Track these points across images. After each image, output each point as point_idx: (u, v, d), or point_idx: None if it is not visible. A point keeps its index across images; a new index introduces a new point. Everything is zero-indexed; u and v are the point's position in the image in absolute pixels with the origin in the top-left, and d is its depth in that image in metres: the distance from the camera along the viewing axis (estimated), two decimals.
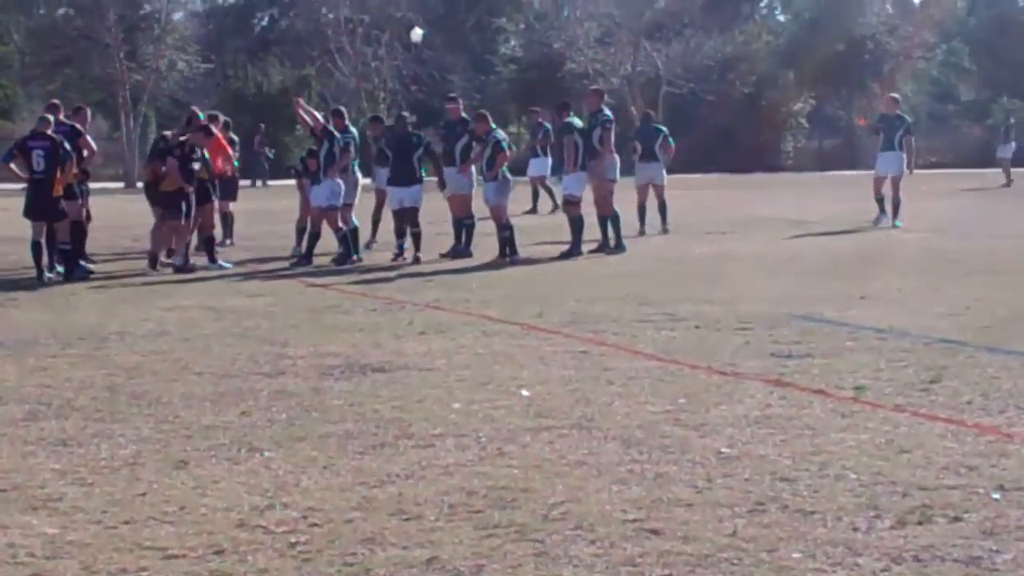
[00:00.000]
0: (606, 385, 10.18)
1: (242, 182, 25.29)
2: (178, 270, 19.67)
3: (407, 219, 21.20)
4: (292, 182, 24.39)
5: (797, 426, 8.66)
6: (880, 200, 26.59)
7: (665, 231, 25.86)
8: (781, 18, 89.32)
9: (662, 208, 26.22)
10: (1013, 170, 45.49)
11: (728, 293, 15.91)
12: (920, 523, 6.57)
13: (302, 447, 8.28)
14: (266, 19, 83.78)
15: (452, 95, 24.42)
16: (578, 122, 22.65)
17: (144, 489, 7.38)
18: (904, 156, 26.59)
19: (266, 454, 8.12)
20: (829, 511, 6.77)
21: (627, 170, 24.41)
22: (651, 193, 26.33)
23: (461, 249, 21.42)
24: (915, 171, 27.69)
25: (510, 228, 21.09)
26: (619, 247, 21.74)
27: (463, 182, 21.62)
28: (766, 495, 7.08)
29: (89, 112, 20.98)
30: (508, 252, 20.82)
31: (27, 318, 14.77)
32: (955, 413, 9.02)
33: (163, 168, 20.18)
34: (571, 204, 21.68)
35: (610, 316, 14.05)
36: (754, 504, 6.92)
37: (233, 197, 23.60)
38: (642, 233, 25.42)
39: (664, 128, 28.09)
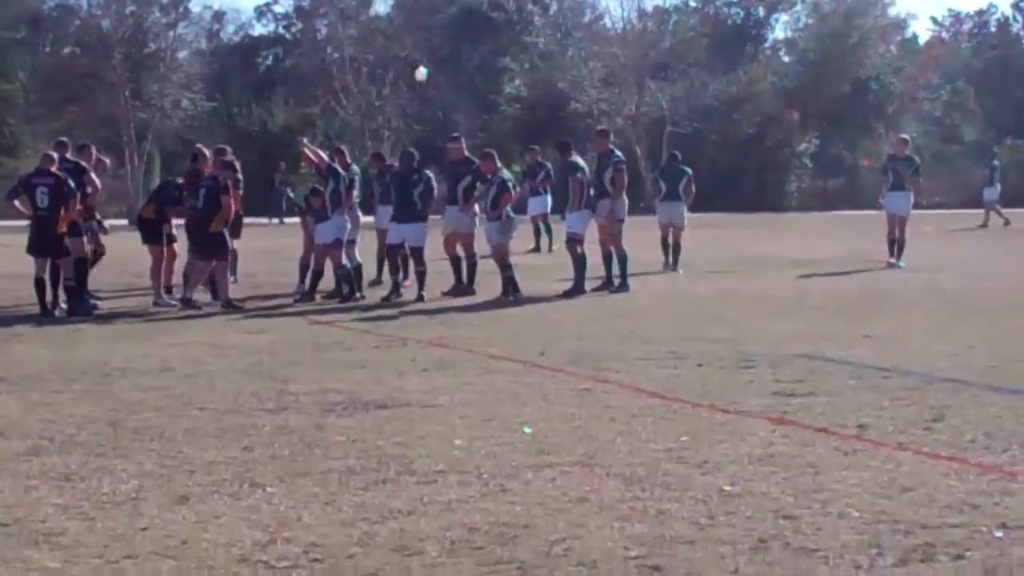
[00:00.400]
0: (608, 423, 10.17)
1: (259, 219, 25.23)
2: (186, 305, 19.63)
3: (409, 255, 21.18)
4: (294, 220, 24.41)
5: (800, 464, 8.65)
6: (892, 241, 26.76)
7: (675, 270, 26.28)
8: (786, 59, 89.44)
9: (676, 249, 26.72)
10: (1005, 211, 45.44)
11: (731, 332, 15.91)
12: (923, 561, 6.56)
13: (304, 483, 8.27)
14: (271, 58, 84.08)
15: (455, 135, 24.45)
16: (582, 161, 22.71)
17: (146, 524, 7.37)
18: (911, 197, 26.84)
19: (268, 490, 8.11)
20: (832, 549, 6.76)
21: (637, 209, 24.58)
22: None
23: (464, 287, 21.42)
24: (920, 211, 27.79)
25: (511, 267, 21.06)
26: (623, 286, 21.70)
27: (465, 221, 21.63)
28: (768, 533, 7.06)
29: (95, 151, 20.94)
30: (511, 291, 20.78)
31: (30, 354, 14.77)
32: (958, 452, 9.01)
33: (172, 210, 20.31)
34: (574, 242, 21.68)
35: (613, 354, 14.05)
36: (756, 542, 6.90)
37: (237, 234, 23.57)
38: (666, 266, 26.51)
39: (689, 170, 28.48)
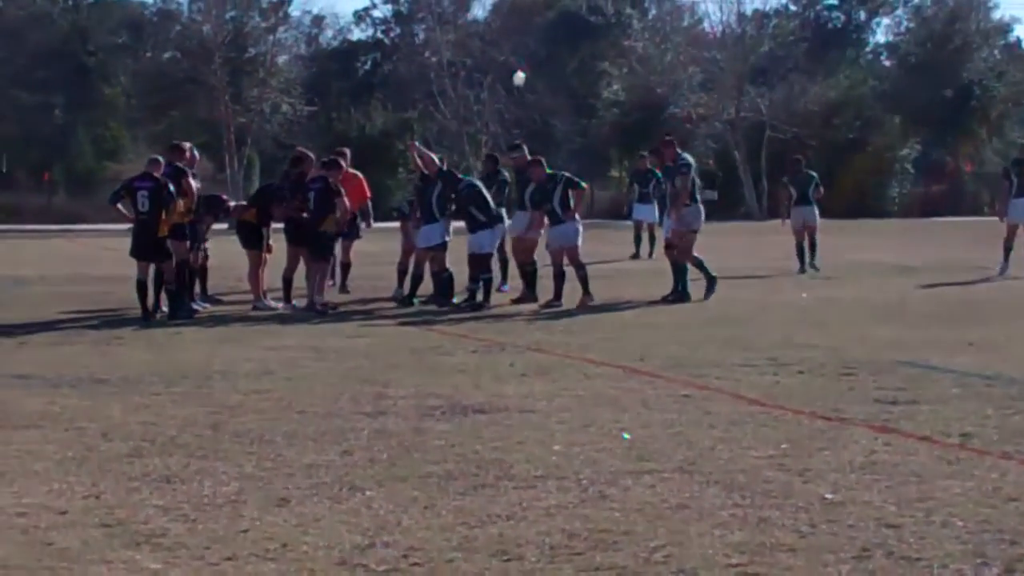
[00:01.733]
0: (708, 429, 10.10)
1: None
2: (319, 311, 19.71)
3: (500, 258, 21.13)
4: (393, 224, 24.43)
5: (903, 472, 8.55)
6: (1008, 250, 25.55)
7: (815, 268, 27.50)
8: (887, 63, 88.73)
9: (813, 247, 27.91)
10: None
11: (833, 338, 15.78)
12: None
13: (403, 487, 8.28)
14: (369, 63, 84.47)
15: (516, 142, 24.28)
16: (691, 158, 22.49)
17: (246, 526, 7.41)
18: None
19: (367, 493, 8.13)
20: (935, 558, 6.67)
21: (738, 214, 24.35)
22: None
23: (527, 294, 21.23)
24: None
25: (584, 267, 20.71)
26: (683, 295, 21.18)
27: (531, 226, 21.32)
28: (871, 541, 6.98)
29: (190, 148, 20.94)
30: (586, 290, 20.45)
31: (132, 356, 14.92)
32: None
33: (281, 209, 20.42)
34: (668, 247, 21.52)
35: (713, 360, 13.96)
36: (859, 550, 6.83)
37: (357, 235, 23.65)
38: (802, 271, 27.29)
39: (815, 174, 29.52)
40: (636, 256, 32.33)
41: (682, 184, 21.29)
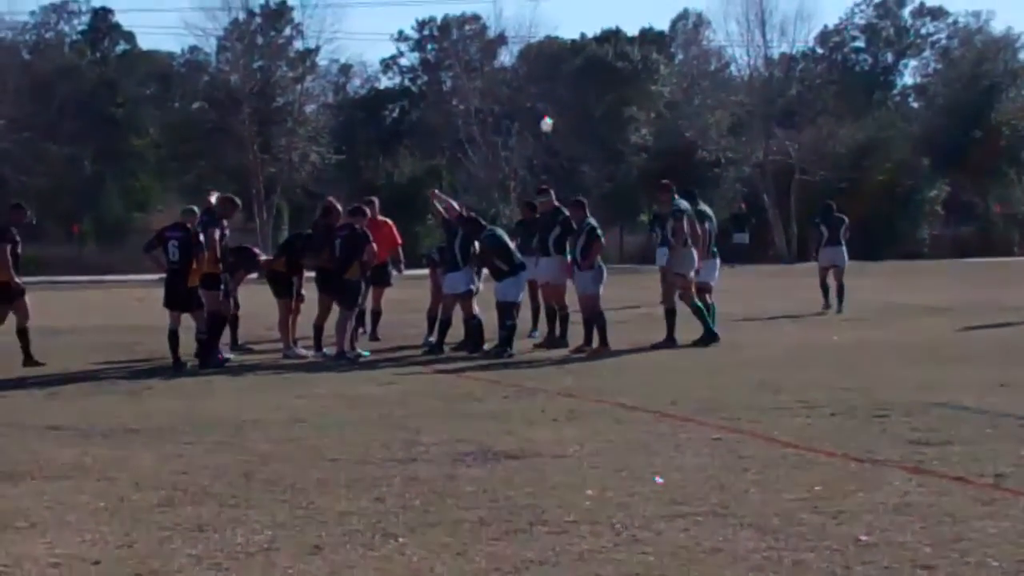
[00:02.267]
0: (741, 472, 10.07)
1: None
2: (350, 359, 19.72)
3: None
4: (420, 271, 24.50)
5: (937, 513, 8.51)
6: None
7: (840, 311, 27.83)
8: (915, 105, 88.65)
9: (840, 290, 28.55)
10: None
11: (864, 380, 15.73)
12: None
13: (436, 533, 8.27)
14: (397, 111, 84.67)
15: (543, 187, 24.32)
16: (709, 210, 22.61)
17: (280, 575, 7.39)
18: None
19: (400, 540, 8.11)
20: None
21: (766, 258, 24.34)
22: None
23: (556, 340, 21.25)
24: None
25: (603, 317, 20.70)
26: (710, 338, 21.14)
27: (557, 272, 21.40)
28: None
29: (220, 197, 21.09)
30: (603, 342, 20.41)
31: (163, 406, 14.95)
32: None
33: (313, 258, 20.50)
34: (702, 291, 21.51)
35: (744, 403, 13.93)
36: None
37: (388, 282, 23.61)
38: (827, 307, 28.24)
39: (846, 217, 30.60)
40: None
41: (673, 228, 21.36)
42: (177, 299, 19.35)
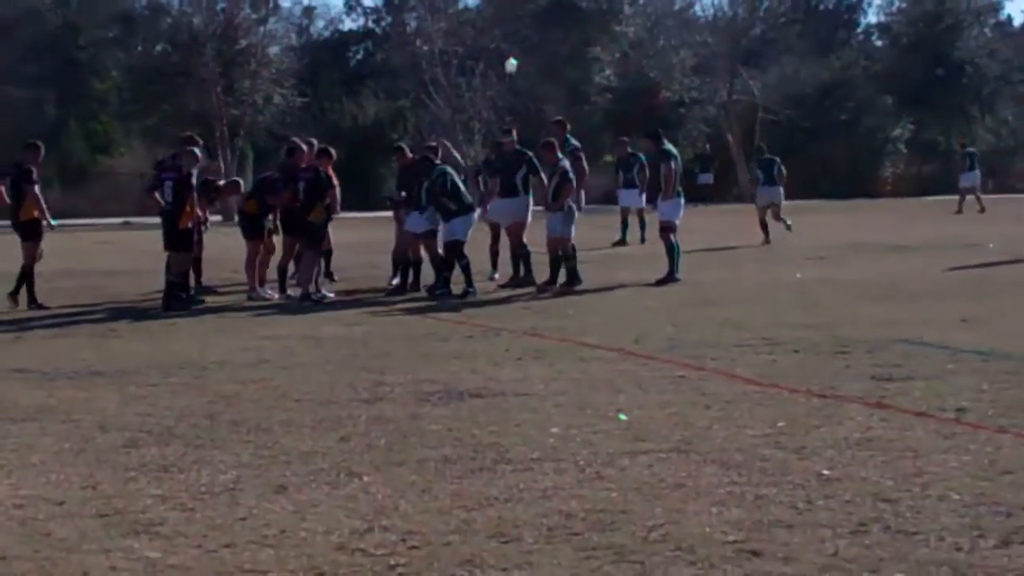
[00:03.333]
0: (704, 409, 10.13)
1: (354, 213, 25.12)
2: (314, 300, 19.69)
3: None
4: (384, 213, 24.48)
5: (899, 448, 8.57)
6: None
7: (788, 228, 31.40)
8: (879, 43, 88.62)
9: (778, 219, 31.49)
10: (983, 196, 45.04)
11: (827, 318, 15.81)
12: None
13: (401, 472, 8.30)
14: (361, 52, 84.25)
15: (507, 128, 24.24)
16: (674, 149, 22.63)
17: (244, 514, 7.42)
18: None
19: (365, 479, 8.14)
20: (932, 532, 6.69)
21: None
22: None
23: (523, 279, 21.28)
24: (1014, 195, 26.69)
25: (575, 258, 20.71)
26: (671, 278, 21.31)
27: (523, 210, 21.42)
28: (868, 516, 7.00)
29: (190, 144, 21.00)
30: (575, 281, 20.51)
31: (128, 348, 14.92)
32: None
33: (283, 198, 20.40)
34: (668, 230, 21.56)
35: (708, 341, 13.99)
36: (856, 525, 6.85)
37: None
38: (767, 243, 30.31)
39: (777, 158, 33.05)
40: (622, 242, 31.83)
41: (664, 174, 21.77)
42: (168, 239, 19.36)
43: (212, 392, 11.52)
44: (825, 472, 7.99)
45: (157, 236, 20.28)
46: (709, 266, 24.28)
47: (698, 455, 8.54)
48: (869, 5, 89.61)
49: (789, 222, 31.75)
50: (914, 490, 7.52)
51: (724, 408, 10.12)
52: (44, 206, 19.95)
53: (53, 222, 20.10)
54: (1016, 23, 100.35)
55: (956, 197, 45.36)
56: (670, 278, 21.11)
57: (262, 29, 72.59)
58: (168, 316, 18.39)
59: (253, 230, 20.93)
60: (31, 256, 19.84)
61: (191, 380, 12.27)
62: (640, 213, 32.19)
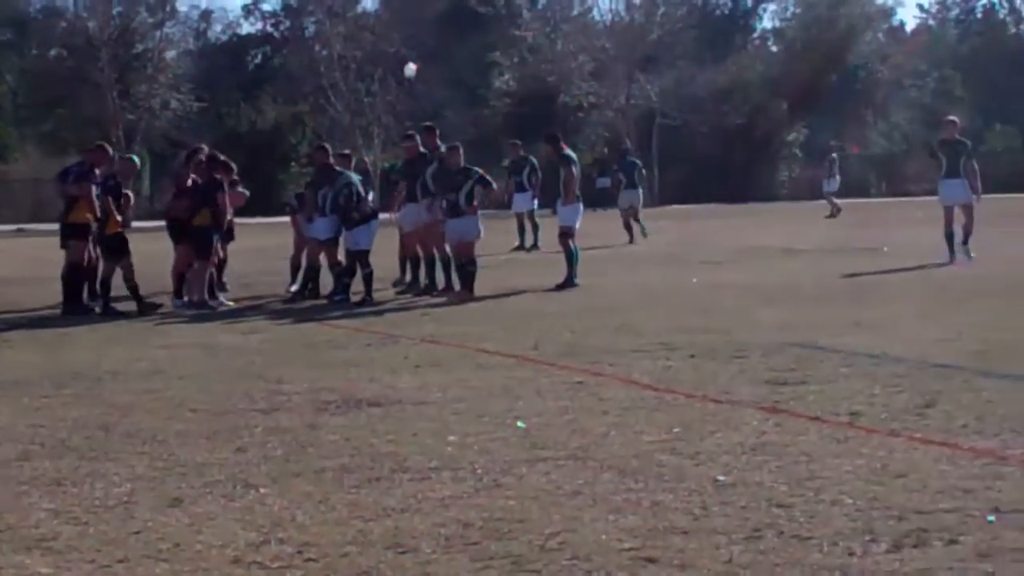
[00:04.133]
0: (602, 415, 10.16)
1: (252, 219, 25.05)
2: (197, 307, 19.56)
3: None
4: (282, 219, 24.40)
5: (792, 453, 8.65)
6: (950, 236, 24.46)
7: (644, 234, 33.52)
8: (774, 48, 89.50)
9: (636, 221, 33.73)
10: (1004, 195, 45.70)
11: (723, 322, 15.92)
12: (916, 547, 6.55)
13: (297, 482, 8.26)
14: (259, 57, 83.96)
15: (408, 132, 24.20)
16: (573, 154, 22.73)
17: (139, 527, 7.35)
18: (967, 182, 24.59)
19: (261, 490, 8.09)
20: (825, 536, 6.75)
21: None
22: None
23: (420, 287, 21.28)
24: (909, 199, 27.04)
25: (474, 264, 20.55)
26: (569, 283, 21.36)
27: (471, 228, 20.79)
28: (762, 522, 7.06)
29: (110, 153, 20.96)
30: (470, 288, 20.36)
31: (21, 358, 14.75)
32: (950, 437, 9.00)
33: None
34: (566, 235, 21.63)
35: (605, 347, 14.05)
36: (750, 531, 6.90)
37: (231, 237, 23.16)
38: (631, 242, 32.74)
39: (639, 161, 36.73)
40: (520, 247, 31.83)
41: (565, 178, 22.02)
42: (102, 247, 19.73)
43: (106, 403, 11.41)
44: (720, 478, 8.04)
45: (52, 243, 20.05)
46: (607, 271, 24.37)
47: (595, 462, 8.57)
48: (764, 10, 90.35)
49: (646, 228, 33.82)
50: (807, 495, 7.58)
51: (621, 414, 10.16)
52: (95, 207, 19.69)
53: None
54: (908, 29, 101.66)
55: (854, 200, 46.02)
56: (568, 283, 21.19)
57: (159, 33, 72.24)
58: (62, 325, 18.17)
59: (181, 235, 20.54)
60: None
61: (85, 391, 12.14)
62: (532, 217, 32.10)
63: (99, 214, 19.48)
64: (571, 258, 21.41)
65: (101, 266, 19.67)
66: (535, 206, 32.09)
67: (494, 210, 20.91)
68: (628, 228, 33.49)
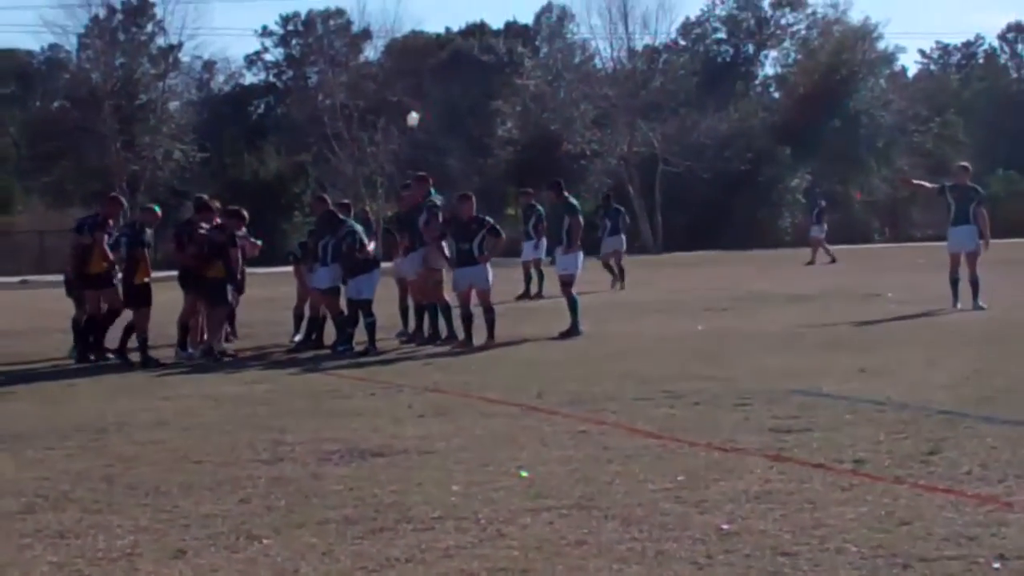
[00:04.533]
0: (606, 464, 10.15)
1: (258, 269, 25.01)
2: (208, 355, 19.59)
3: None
4: (287, 268, 24.43)
5: (797, 500, 8.64)
6: (955, 282, 24.17)
7: (623, 288, 33.33)
8: (776, 95, 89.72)
9: (621, 271, 34.02)
10: (1008, 240, 45.79)
11: (727, 369, 15.91)
12: None
13: (301, 534, 8.25)
14: (262, 106, 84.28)
15: (407, 182, 24.26)
16: (576, 202, 22.77)
17: None
18: (978, 229, 24.29)
19: (265, 542, 8.08)
20: None
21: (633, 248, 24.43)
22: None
23: (424, 336, 21.27)
24: (914, 244, 26.81)
25: (493, 312, 20.62)
26: (574, 331, 21.28)
27: (482, 275, 20.67)
28: (767, 570, 7.05)
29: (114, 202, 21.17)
30: (468, 339, 20.31)
31: (24, 410, 14.74)
32: (954, 484, 9.00)
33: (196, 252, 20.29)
34: (567, 284, 21.63)
35: (609, 395, 14.04)
36: None
37: (241, 289, 23.00)
38: (614, 285, 33.54)
39: (622, 208, 36.98)
40: (525, 295, 31.86)
41: (570, 226, 22.07)
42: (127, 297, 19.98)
43: (110, 455, 11.40)
44: (725, 526, 8.03)
45: (55, 295, 20.10)
46: (611, 318, 24.37)
47: (599, 511, 8.55)
48: (766, 57, 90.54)
49: (623, 280, 33.84)
50: (812, 543, 7.57)
51: (625, 463, 10.15)
52: (107, 255, 19.91)
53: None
54: (910, 74, 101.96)
55: (861, 247, 46.12)
56: (574, 331, 21.15)
57: (162, 84, 72.47)
58: (66, 375, 18.19)
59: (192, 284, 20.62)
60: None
61: (88, 443, 12.12)
62: (538, 265, 32.06)
63: (121, 264, 19.71)
64: (574, 306, 21.39)
65: (133, 316, 19.74)
66: (542, 255, 32.03)
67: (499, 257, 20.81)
68: (609, 269, 34.23)
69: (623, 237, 35.37)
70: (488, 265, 20.58)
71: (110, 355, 19.73)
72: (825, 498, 8.69)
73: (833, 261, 44.44)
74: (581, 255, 22.06)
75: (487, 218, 21.13)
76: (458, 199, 21.36)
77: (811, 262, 44.92)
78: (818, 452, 10.29)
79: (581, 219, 22.18)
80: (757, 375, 15.25)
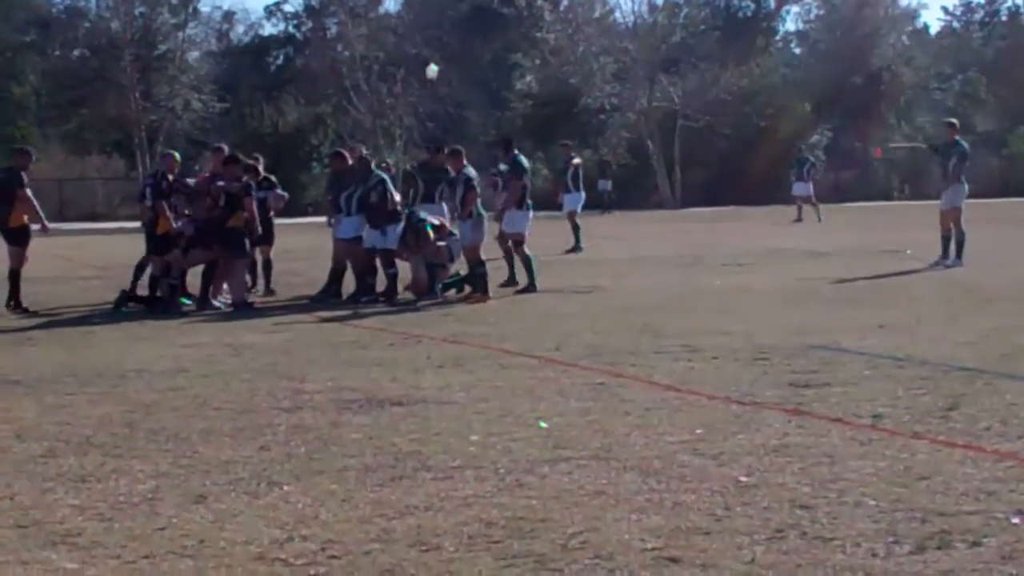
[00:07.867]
0: (624, 416, 10.17)
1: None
2: (236, 306, 19.65)
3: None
4: (305, 220, 24.45)
5: (815, 454, 8.65)
6: (946, 238, 24.37)
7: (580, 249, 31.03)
8: (797, 51, 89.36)
9: (575, 229, 31.49)
10: (822, 205, 46.05)
11: (746, 324, 15.91)
12: (939, 548, 6.56)
13: (321, 480, 8.29)
14: (281, 58, 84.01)
15: (439, 145, 24.31)
16: (527, 162, 22.73)
17: (163, 524, 7.38)
18: (953, 187, 24.42)
19: (285, 488, 8.12)
20: (848, 538, 6.76)
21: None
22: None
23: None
24: (931, 201, 26.59)
25: (484, 266, 20.48)
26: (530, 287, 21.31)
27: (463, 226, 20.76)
28: (785, 522, 7.07)
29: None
30: (482, 291, 20.28)
31: (45, 356, 14.80)
32: (973, 439, 9.01)
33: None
34: (520, 244, 21.52)
35: (628, 348, 14.05)
36: (773, 531, 6.91)
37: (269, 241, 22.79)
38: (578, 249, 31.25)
39: (579, 162, 34.29)
40: (575, 248, 31.84)
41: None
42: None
43: (131, 401, 11.45)
44: (743, 479, 8.05)
45: (76, 242, 20.14)
46: (629, 272, 24.38)
47: (617, 462, 8.58)
48: (787, 12, 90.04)
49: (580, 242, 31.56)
50: (830, 496, 7.59)
51: (643, 415, 10.17)
52: (38, 209, 20.66)
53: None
54: (932, 31, 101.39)
55: (878, 204, 46.00)
56: (530, 288, 20.98)
57: (181, 34, 72.42)
58: (85, 323, 18.25)
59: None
60: (19, 260, 19.88)
61: (109, 389, 12.18)
62: (573, 217, 32.13)
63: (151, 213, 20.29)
64: (528, 264, 21.20)
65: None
66: (580, 207, 32.30)
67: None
68: (576, 231, 31.62)
69: (581, 195, 32.95)
70: (474, 221, 20.53)
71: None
72: (843, 452, 8.70)
73: (799, 220, 44.44)
74: (531, 214, 21.87)
75: (465, 172, 20.98)
76: (448, 153, 21.55)
77: (799, 219, 44.84)
78: (837, 407, 10.31)
79: (527, 180, 22.06)
80: (775, 330, 15.25)
